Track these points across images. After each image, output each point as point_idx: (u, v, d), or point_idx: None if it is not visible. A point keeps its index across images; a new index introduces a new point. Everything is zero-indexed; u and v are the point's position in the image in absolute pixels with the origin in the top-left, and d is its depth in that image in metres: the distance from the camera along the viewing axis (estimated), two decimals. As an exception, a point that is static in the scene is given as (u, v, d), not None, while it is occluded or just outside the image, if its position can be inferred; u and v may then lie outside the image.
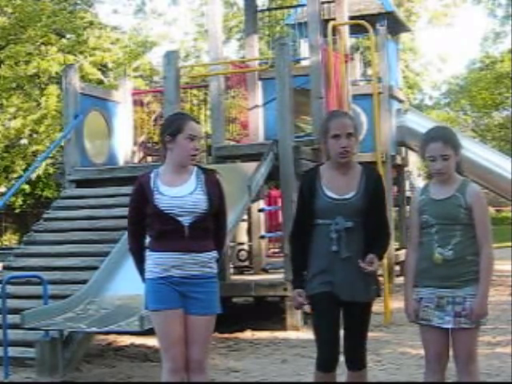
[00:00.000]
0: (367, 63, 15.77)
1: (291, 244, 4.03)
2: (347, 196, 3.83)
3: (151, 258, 3.88)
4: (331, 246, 3.78)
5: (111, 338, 7.72)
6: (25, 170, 17.82)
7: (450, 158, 3.75)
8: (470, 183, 3.83)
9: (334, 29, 9.62)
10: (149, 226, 3.90)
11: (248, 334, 7.98)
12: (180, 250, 3.81)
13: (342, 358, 3.94)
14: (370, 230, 3.81)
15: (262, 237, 10.05)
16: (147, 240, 3.97)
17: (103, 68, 20.22)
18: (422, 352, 3.96)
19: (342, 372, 3.98)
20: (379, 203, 3.90)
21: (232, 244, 9.99)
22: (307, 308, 4.04)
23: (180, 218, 3.81)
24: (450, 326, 3.71)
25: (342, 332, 3.91)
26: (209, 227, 3.90)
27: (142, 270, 3.95)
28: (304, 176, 4.09)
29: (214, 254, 3.93)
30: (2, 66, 18.50)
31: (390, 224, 4.04)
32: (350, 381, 3.95)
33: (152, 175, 3.95)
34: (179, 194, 3.85)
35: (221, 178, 4.05)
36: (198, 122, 3.98)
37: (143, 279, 3.95)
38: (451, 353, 3.81)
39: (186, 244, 3.81)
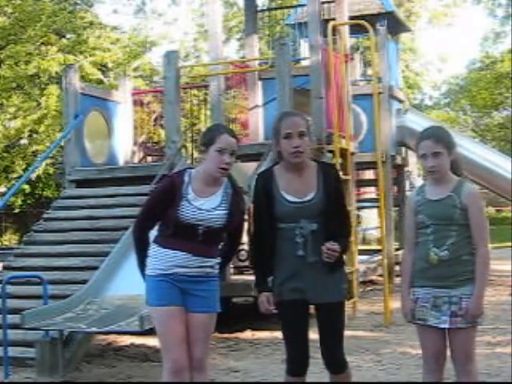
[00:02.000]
0: (367, 63, 15.76)
1: (252, 248, 3.92)
2: (308, 198, 3.73)
3: (158, 254, 3.87)
4: (297, 251, 3.69)
5: (111, 338, 7.72)
6: (25, 170, 17.82)
7: (442, 155, 3.73)
8: (466, 183, 3.82)
9: (334, 29, 9.61)
10: (164, 223, 3.90)
11: (248, 334, 7.98)
12: (190, 251, 3.83)
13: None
14: (332, 229, 3.73)
15: (262, 237, 10.03)
16: (155, 234, 3.95)
17: (103, 68, 20.22)
18: (421, 352, 3.96)
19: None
20: (339, 200, 3.82)
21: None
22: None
23: (197, 226, 3.83)
24: (446, 326, 3.71)
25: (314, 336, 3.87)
26: (222, 237, 3.95)
27: (142, 262, 3.93)
28: (258, 179, 3.92)
29: (218, 259, 3.96)
30: (2, 65, 18.49)
31: (351, 221, 3.98)
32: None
33: (186, 179, 3.89)
34: (203, 206, 3.84)
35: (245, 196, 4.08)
36: (233, 135, 3.91)
37: (142, 270, 3.94)
38: (449, 353, 3.82)
39: (197, 247, 3.83)
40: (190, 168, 4.02)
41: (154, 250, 3.90)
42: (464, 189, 3.76)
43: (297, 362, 3.83)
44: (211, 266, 3.90)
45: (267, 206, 3.76)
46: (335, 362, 3.83)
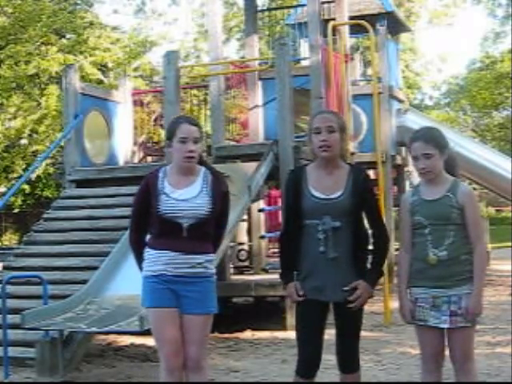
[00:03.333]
0: (367, 63, 15.77)
1: (280, 244, 3.98)
2: (334, 196, 3.76)
3: (148, 256, 3.90)
4: (318, 247, 3.72)
5: (111, 338, 7.72)
6: (25, 170, 17.80)
7: (433, 156, 3.74)
8: (461, 183, 3.84)
9: (334, 29, 9.62)
10: (150, 223, 3.92)
11: (248, 334, 7.98)
12: (177, 249, 3.82)
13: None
14: (355, 231, 3.76)
15: (262, 237, 10.05)
16: (147, 237, 3.98)
17: (103, 68, 20.20)
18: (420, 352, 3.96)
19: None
20: (369, 204, 3.84)
21: (232, 244, 9.99)
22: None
23: (180, 220, 3.82)
24: (446, 326, 3.72)
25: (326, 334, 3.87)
26: (208, 230, 3.91)
27: (141, 266, 3.97)
28: (289, 175, 4.00)
29: (211, 256, 3.94)
30: (2, 65, 18.47)
31: (385, 226, 3.96)
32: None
33: (160, 174, 3.94)
34: (183, 196, 3.85)
35: (229, 183, 4.05)
36: (193, 123, 3.93)
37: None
38: (447, 352, 3.82)
39: (184, 244, 3.82)
40: (165, 165, 4.04)
41: (145, 252, 3.93)
42: (460, 188, 3.77)
43: (308, 364, 3.83)
44: (201, 264, 3.85)
45: (295, 202, 3.81)
46: (348, 362, 3.84)
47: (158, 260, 3.84)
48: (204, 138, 11.63)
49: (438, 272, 3.70)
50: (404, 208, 3.88)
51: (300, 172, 3.91)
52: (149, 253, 3.90)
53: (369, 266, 3.85)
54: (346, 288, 3.73)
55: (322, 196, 3.78)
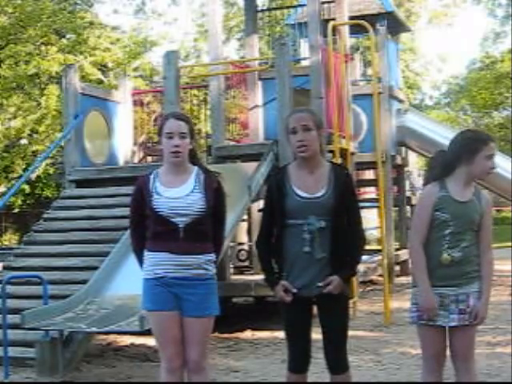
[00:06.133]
0: (367, 63, 15.77)
1: (259, 247, 3.93)
2: (318, 194, 3.75)
3: (147, 259, 3.90)
4: (304, 247, 3.71)
5: (111, 338, 7.72)
6: (25, 170, 17.81)
7: None
8: (481, 189, 3.88)
9: (334, 29, 9.62)
10: (147, 226, 3.91)
11: (248, 334, 7.98)
12: (174, 251, 3.81)
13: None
14: (340, 231, 3.73)
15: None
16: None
17: (103, 68, 20.21)
18: (421, 352, 3.96)
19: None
20: (350, 203, 3.81)
21: (232, 244, 9.99)
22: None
23: (175, 219, 3.81)
24: (454, 324, 3.72)
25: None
26: (205, 229, 3.88)
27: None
28: (271, 176, 3.98)
29: (210, 256, 3.92)
30: (2, 65, 18.47)
31: (363, 230, 3.93)
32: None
33: (151, 176, 3.95)
34: (176, 195, 3.84)
35: (222, 181, 4.02)
36: (180, 118, 3.91)
37: None
38: (447, 352, 3.82)
39: (180, 245, 3.80)
40: (158, 167, 4.04)
41: (145, 255, 3.93)
42: (482, 195, 3.82)
43: (298, 359, 3.85)
44: (201, 265, 3.84)
45: (279, 202, 3.78)
46: (334, 362, 3.81)
47: (157, 263, 3.84)
48: (201, 135, 11.67)
49: (449, 271, 3.69)
50: (427, 201, 3.74)
51: (282, 172, 3.89)
52: (148, 255, 3.89)
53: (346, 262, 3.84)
54: (320, 284, 3.71)
55: (306, 195, 3.76)
